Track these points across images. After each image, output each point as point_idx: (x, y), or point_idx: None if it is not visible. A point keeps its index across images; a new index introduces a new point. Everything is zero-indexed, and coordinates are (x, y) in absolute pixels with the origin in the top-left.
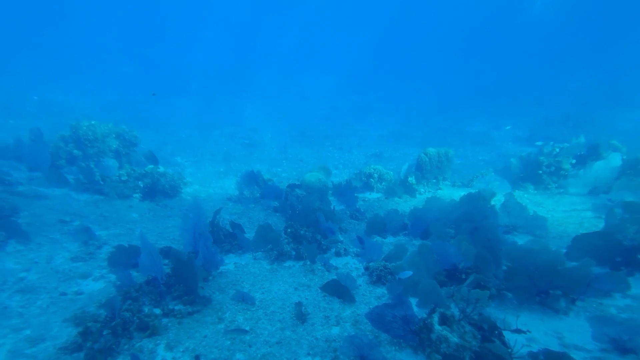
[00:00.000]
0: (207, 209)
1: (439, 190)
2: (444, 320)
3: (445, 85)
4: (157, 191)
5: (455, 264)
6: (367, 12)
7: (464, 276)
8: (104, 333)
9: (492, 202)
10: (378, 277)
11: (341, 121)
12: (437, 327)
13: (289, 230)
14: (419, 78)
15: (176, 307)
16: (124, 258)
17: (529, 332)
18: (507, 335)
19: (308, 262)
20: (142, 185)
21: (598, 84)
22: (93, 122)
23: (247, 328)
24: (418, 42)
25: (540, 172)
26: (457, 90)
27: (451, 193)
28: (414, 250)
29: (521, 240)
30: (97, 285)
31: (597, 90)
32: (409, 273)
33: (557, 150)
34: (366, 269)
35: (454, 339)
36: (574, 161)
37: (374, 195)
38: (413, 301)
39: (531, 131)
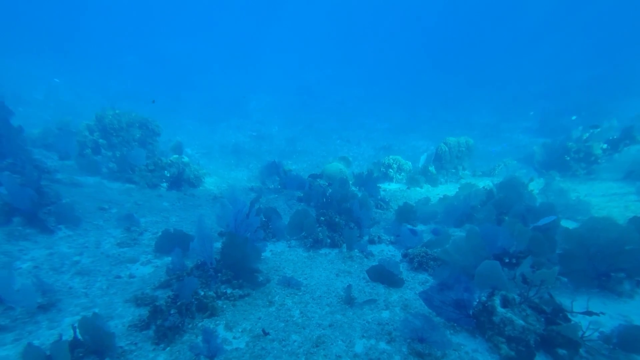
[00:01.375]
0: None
1: (462, 180)
2: (505, 303)
3: (449, 78)
4: (183, 181)
5: (505, 248)
6: (370, 5)
7: (514, 261)
8: (172, 312)
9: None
10: (419, 264)
11: (347, 114)
12: (500, 309)
13: (322, 218)
14: (423, 71)
15: (228, 291)
16: (169, 243)
17: (603, 314)
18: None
19: (344, 249)
20: (168, 175)
21: (605, 74)
22: (117, 112)
23: (297, 312)
24: (422, 34)
25: (568, 158)
26: (461, 83)
27: (475, 182)
28: (458, 235)
29: (564, 224)
30: (146, 269)
31: (605, 81)
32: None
33: (587, 135)
34: (404, 255)
35: (520, 321)
36: (605, 146)
37: (393, 186)
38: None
39: (541, 122)
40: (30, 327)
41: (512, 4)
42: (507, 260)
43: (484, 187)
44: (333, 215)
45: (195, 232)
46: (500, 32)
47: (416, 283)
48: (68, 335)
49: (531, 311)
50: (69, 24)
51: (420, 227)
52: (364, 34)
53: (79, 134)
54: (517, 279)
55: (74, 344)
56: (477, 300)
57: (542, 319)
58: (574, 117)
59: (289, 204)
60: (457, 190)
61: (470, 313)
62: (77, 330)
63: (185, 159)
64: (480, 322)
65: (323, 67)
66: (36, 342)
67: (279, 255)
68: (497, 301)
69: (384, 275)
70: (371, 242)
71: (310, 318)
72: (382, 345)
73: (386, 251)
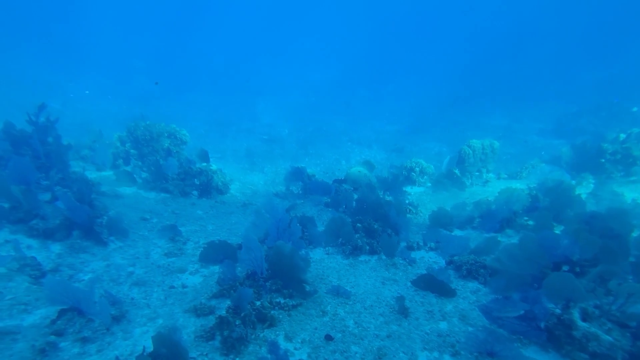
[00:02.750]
0: (258, 204)
1: (488, 183)
2: (584, 317)
3: (456, 79)
4: (212, 188)
5: (567, 256)
6: (375, 6)
7: (578, 269)
8: (237, 323)
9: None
10: (468, 271)
11: (355, 116)
12: (581, 323)
13: (358, 225)
14: (429, 71)
15: (282, 301)
16: (214, 253)
17: None
18: None
19: (383, 257)
20: (197, 183)
21: (617, 75)
22: (148, 123)
23: (352, 322)
24: (427, 35)
25: (603, 160)
26: (469, 84)
27: (506, 185)
28: (510, 242)
29: None
30: (195, 279)
31: (618, 82)
32: None
33: (623, 136)
34: (449, 263)
35: (606, 337)
36: None
37: (416, 189)
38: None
39: (558, 123)
40: (108, 338)
41: (519, 4)
42: (566, 269)
43: (528, 192)
44: (371, 222)
45: (243, 241)
46: (508, 32)
47: (468, 292)
48: (141, 346)
49: (612, 325)
50: (79, 32)
51: (456, 233)
52: (369, 34)
53: (111, 145)
54: (597, 290)
55: (154, 357)
56: (548, 313)
57: (628, 334)
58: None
59: (316, 209)
60: (497, 194)
61: (542, 326)
62: (154, 342)
63: (214, 167)
64: (555, 336)
65: (328, 68)
66: (115, 353)
67: (320, 263)
68: (576, 314)
69: (434, 285)
70: (410, 248)
71: (366, 328)
72: (447, 358)
73: (427, 258)
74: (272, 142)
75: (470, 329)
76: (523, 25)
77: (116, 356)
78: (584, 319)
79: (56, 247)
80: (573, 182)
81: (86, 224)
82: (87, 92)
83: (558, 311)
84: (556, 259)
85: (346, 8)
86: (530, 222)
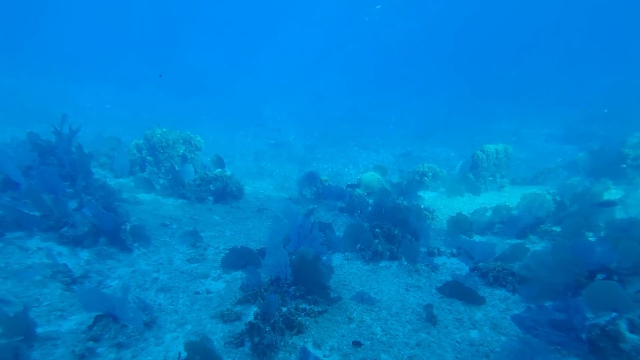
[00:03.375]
0: (273, 209)
1: (504, 188)
2: (632, 328)
3: (462, 84)
4: (227, 194)
5: (604, 264)
6: (380, 10)
7: (616, 278)
8: (267, 330)
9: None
10: (495, 278)
11: (361, 121)
12: (629, 335)
13: (377, 230)
14: (436, 76)
15: (307, 307)
16: (236, 259)
17: None
18: None
19: (404, 262)
20: (213, 189)
21: (625, 81)
22: (164, 130)
23: (379, 329)
24: (433, 38)
25: (624, 165)
26: (475, 90)
27: (522, 190)
28: (536, 249)
29: None
30: (218, 284)
31: (627, 88)
32: None
33: None
34: (473, 269)
35: None
36: None
37: (429, 194)
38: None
39: (568, 129)
40: (141, 344)
41: (527, 9)
42: (601, 277)
43: (551, 197)
44: (391, 228)
45: (267, 247)
46: (515, 36)
47: (496, 300)
48: (172, 352)
49: None
50: (86, 42)
51: (476, 239)
52: (374, 39)
53: (129, 152)
54: None
55: None
56: (590, 323)
57: None
58: None
59: (331, 214)
60: (520, 199)
61: (584, 337)
62: (187, 350)
63: (228, 172)
64: (599, 348)
65: (333, 73)
66: (149, 358)
67: (340, 268)
68: (622, 326)
69: (460, 292)
70: (430, 254)
71: (395, 336)
72: None
73: (449, 264)
74: (279, 147)
75: (503, 338)
76: (531, 29)
77: None
78: (631, 331)
79: (84, 254)
80: (600, 187)
81: (112, 230)
82: (107, 105)
83: (602, 322)
84: (591, 267)
85: (351, 12)
86: (556, 229)
